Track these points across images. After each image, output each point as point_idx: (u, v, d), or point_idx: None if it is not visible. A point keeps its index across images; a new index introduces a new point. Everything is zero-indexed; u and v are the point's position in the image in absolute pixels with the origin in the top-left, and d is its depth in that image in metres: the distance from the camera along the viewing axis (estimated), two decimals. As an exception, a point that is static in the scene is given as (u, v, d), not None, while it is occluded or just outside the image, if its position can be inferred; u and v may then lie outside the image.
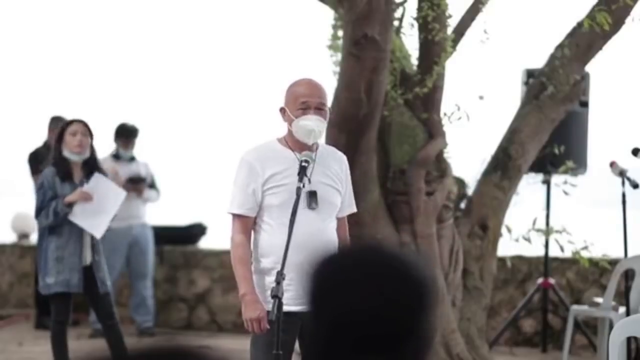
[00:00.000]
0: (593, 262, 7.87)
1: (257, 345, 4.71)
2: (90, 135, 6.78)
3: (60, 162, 6.73)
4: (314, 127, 4.73)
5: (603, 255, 7.91)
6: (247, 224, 4.77)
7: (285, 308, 4.46)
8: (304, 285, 1.97)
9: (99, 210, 6.73)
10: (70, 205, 6.66)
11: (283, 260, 4.47)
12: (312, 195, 4.72)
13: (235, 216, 4.78)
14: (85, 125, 6.76)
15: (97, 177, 6.78)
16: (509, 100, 8.48)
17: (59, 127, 6.86)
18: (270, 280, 4.59)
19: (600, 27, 7.47)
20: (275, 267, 4.56)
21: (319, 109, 4.75)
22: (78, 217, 6.68)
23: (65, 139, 6.71)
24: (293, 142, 4.79)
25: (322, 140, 5.02)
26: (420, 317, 1.94)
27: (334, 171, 4.85)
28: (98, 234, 6.75)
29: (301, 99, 4.75)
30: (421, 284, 1.95)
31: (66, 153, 6.73)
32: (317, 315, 1.97)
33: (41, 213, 6.69)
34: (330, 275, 1.97)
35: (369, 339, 1.92)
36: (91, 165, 6.81)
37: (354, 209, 5.01)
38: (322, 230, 4.74)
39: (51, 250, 6.70)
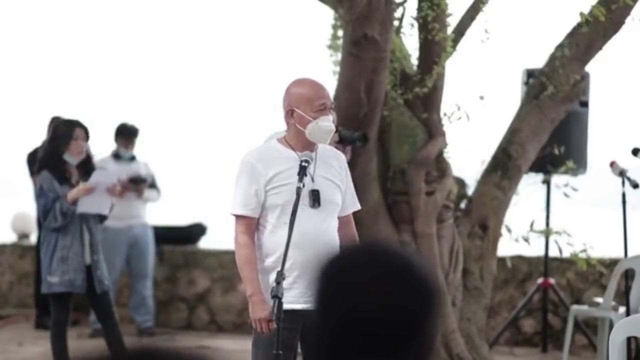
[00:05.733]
0: (591, 265, 7.86)
1: (259, 344, 4.71)
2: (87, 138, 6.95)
3: (59, 165, 6.82)
4: (333, 127, 4.82)
5: (600, 259, 7.88)
6: (250, 225, 4.77)
7: (290, 306, 4.48)
8: (311, 285, 1.97)
9: (100, 193, 6.83)
10: (74, 202, 6.72)
11: (283, 260, 4.48)
12: (315, 194, 4.73)
13: (238, 217, 4.78)
14: (86, 130, 6.91)
15: (96, 173, 6.90)
16: (509, 100, 8.48)
17: (65, 132, 6.92)
18: (274, 279, 4.60)
19: (597, 21, 7.45)
20: (279, 267, 4.56)
21: (332, 108, 4.82)
22: (83, 207, 6.78)
23: (71, 144, 6.80)
24: (295, 143, 4.80)
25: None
26: (426, 318, 1.94)
27: (334, 169, 4.86)
28: (105, 210, 6.88)
29: (319, 101, 4.76)
30: (428, 285, 1.95)
31: (67, 157, 6.84)
32: (323, 316, 1.97)
33: (48, 216, 6.73)
34: (338, 276, 1.97)
35: (376, 339, 1.92)
36: (86, 166, 6.92)
37: (358, 207, 5.01)
38: (325, 229, 4.75)
39: (57, 249, 6.75)
